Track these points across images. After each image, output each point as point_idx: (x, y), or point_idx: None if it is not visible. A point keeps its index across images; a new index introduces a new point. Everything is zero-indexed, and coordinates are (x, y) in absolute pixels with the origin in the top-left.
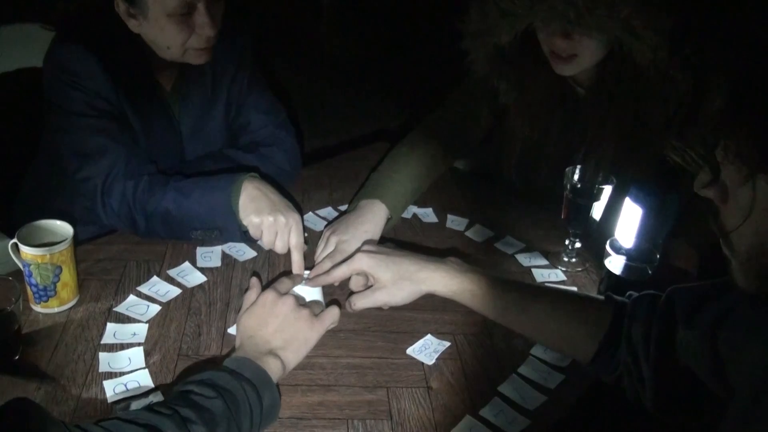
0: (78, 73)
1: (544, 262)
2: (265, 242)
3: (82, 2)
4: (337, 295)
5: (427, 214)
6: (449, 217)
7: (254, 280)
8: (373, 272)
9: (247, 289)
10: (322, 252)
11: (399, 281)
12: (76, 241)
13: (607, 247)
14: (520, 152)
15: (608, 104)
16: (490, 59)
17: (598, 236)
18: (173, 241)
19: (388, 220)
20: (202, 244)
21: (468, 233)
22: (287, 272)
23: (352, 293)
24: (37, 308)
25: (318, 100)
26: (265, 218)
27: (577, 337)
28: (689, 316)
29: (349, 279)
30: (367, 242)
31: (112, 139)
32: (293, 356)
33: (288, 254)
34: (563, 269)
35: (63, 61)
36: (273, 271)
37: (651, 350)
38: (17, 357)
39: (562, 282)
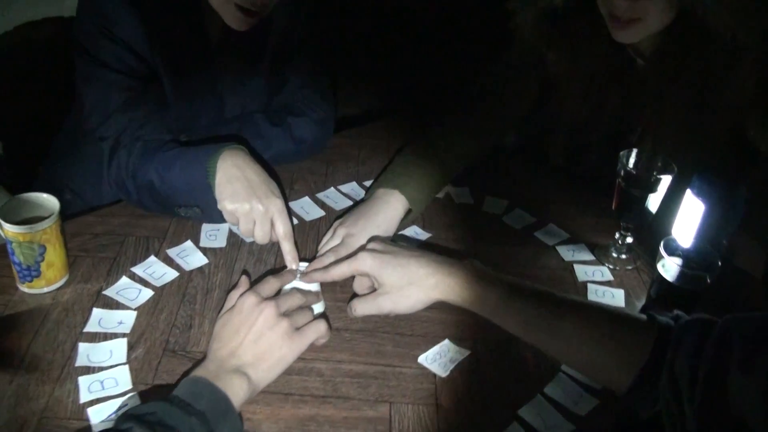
0: (112, 20)
1: (590, 257)
2: (243, 231)
3: None
4: (338, 295)
5: (463, 194)
6: (487, 198)
7: (243, 279)
8: (376, 275)
9: (232, 288)
10: (326, 244)
11: (405, 287)
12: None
13: (661, 248)
14: (569, 131)
15: (672, 78)
16: (540, 23)
17: (653, 232)
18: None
19: (408, 212)
20: (200, 222)
21: (506, 218)
22: (279, 269)
23: (355, 295)
24: (23, 288)
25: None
26: (241, 205)
27: (611, 364)
28: (748, 356)
29: (352, 279)
30: (373, 239)
31: (134, 99)
32: (264, 375)
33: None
34: (610, 267)
35: (99, 4)
36: (278, 260)
37: (697, 392)
38: None
39: (608, 282)
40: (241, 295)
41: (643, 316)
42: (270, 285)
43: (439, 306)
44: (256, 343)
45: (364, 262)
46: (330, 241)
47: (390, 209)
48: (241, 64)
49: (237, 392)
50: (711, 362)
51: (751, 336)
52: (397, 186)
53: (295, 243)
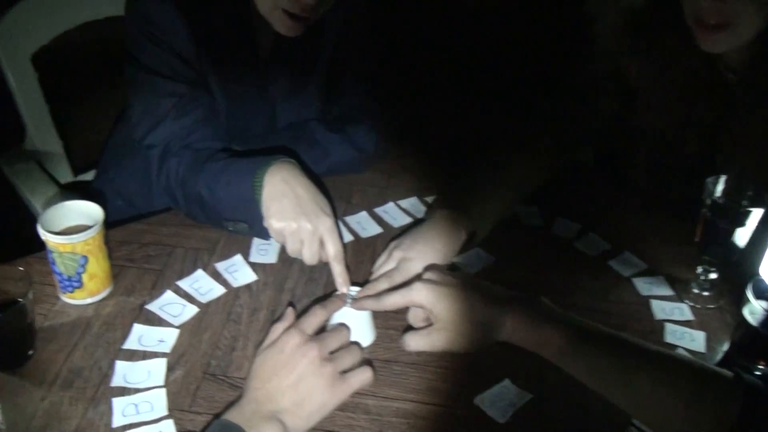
0: (159, 26)
1: (669, 292)
2: (289, 251)
3: None
4: (391, 322)
5: (532, 215)
6: (557, 220)
7: (289, 311)
8: (431, 308)
9: (277, 320)
10: (380, 267)
11: (463, 324)
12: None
13: (748, 291)
14: (650, 150)
15: (765, 94)
16: (621, 30)
17: (740, 269)
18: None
19: (471, 236)
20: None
21: (578, 243)
22: (330, 292)
23: (410, 327)
24: (64, 298)
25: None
26: (288, 224)
27: (690, 427)
28: None
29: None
30: (430, 268)
31: (183, 105)
32: (301, 423)
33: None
34: (691, 304)
35: (145, 10)
36: (330, 280)
37: None
38: (31, 353)
39: (687, 322)
40: (286, 331)
41: (729, 374)
42: (316, 318)
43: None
44: (296, 388)
45: (419, 294)
46: (384, 265)
47: (452, 233)
48: (294, 72)
49: None
50: None
51: None
52: (462, 206)
53: (346, 265)
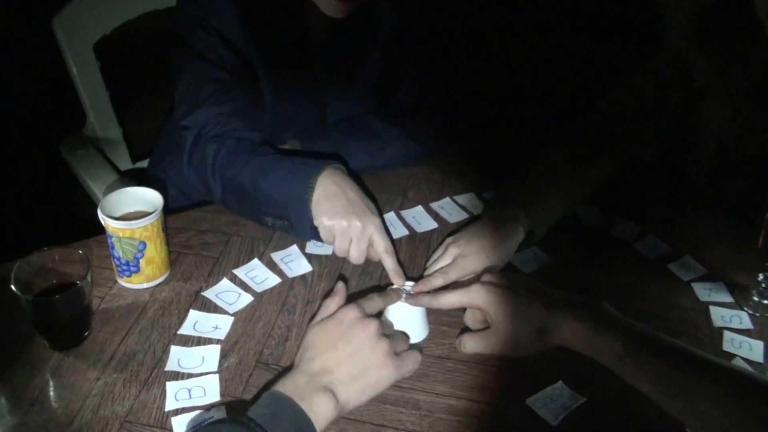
0: (209, 11)
1: (728, 298)
2: (338, 250)
3: None
4: (444, 318)
5: (591, 214)
6: (618, 221)
7: (340, 285)
8: (490, 311)
9: (328, 294)
10: (435, 263)
11: (521, 327)
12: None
13: None
14: (715, 150)
15: None
16: (690, 24)
17: None
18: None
19: (529, 235)
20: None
21: (638, 245)
22: (384, 285)
23: (466, 328)
24: (122, 282)
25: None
26: (338, 222)
27: None
28: None
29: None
30: (488, 270)
31: (224, 91)
32: (355, 397)
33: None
34: (751, 312)
35: None
36: (383, 275)
37: None
38: (87, 334)
39: (746, 330)
40: (345, 305)
41: None
42: (374, 303)
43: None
44: (353, 360)
45: (478, 296)
46: (440, 260)
47: (511, 231)
48: (348, 64)
49: (322, 414)
50: None
51: None
52: (522, 205)
53: (399, 260)
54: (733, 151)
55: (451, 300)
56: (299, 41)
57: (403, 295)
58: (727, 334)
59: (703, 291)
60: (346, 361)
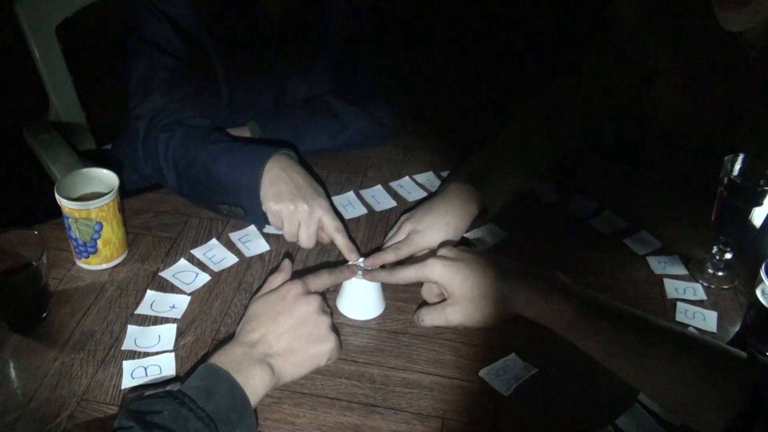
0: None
1: (682, 271)
2: (287, 234)
3: None
4: (400, 294)
5: (547, 192)
6: (574, 198)
7: (286, 262)
8: (446, 285)
9: (274, 270)
10: (390, 239)
11: (478, 299)
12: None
13: (762, 271)
14: (668, 129)
15: None
16: (640, 8)
17: (755, 249)
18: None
19: (483, 212)
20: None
21: (594, 221)
22: (340, 262)
23: (423, 303)
24: (80, 263)
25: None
26: (285, 206)
27: (702, 405)
28: None
29: (417, 282)
30: (445, 244)
31: (175, 79)
32: (291, 370)
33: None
34: (704, 284)
35: None
36: (341, 254)
37: None
38: (45, 315)
39: (700, 302)
40: (289, 281)
41: (743, 354)
42: (321, 280)
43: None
44: (294, 334)
45: (434, 270)
46: (394, 236)
47: (463, 206)
48: (305, 45)
49: (258, 386)
50: None
51: None
52: (474, 181)
53: (350, 237)
54: (686, 129)
55: (407, 275)
56: (254, 24)
57: (359, 272)
58: (680, 305)
59: (657, 264)
60: (285, 335)
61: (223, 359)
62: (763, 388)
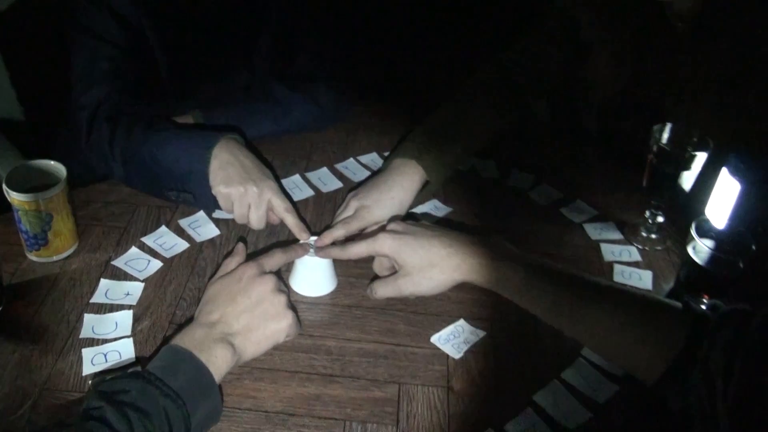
0: None
1: (618, 236)
2: (237, 216)
3: None
4: (352, 270)
5: (488, 167)
6: (513, 172)
7: (240, 246)
8: (396, 257)
9: (228, 254)
10: (338, 216)
11: (427, 268)
12: (84, 181)
13: (692, 230)
14: (602, 100)
15: (713, 42)
16: None
17: (685, 211)
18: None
19: (426, 185)
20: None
21: (532, 193)
22: (291, 241)
23: (375, 277)
24: (31, 256)
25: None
26: (235, 189)
27: (641, 353)
28: None
29: (368, 258)
30: (393, 220)
31: (117, 69)
32: (251, 348)
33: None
34: (639, 247)
35: None
36: (290, 234)
37: (731, 388)
38: (0, 308)
39: (635, 263)
40: (243, 263)
41: (678, 304)
42: (275, 259)
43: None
44: (252, 313)
45: (384, 244)
46: (342, 213)
47: (406, 180)
48: (245, 31)
49: (220, 364)
50: (749, 356)
51: None
52: (415, 156)
53: (300, 217)
54: (619, 101)
55: (358, 249)
56: (193, 11)
57: (310, 249)
58: (617, 267)
59: (594, 230)
60: (244, 314)
61: (185, 340)
62: (697, 334)
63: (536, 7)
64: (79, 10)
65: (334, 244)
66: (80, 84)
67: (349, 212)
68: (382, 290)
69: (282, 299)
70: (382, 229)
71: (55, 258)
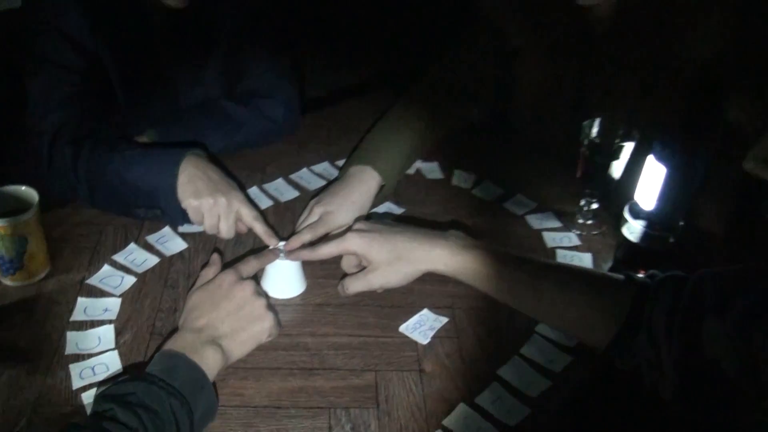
0: (54, 13)
1: (557, 224)
2: (207, 227)
3: None
4: (319, 272)
5: (432, 170)
6: (456, 172)
7: (215, 256)
8: (365, 253)
9: (204, 265)
10: (303, 222)
11: (394, 262)
12: (48, 205)
13: (625, 212)
14: (531, 102)
15: (630, 43)
16: None
17: (617, 197)
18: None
19: (381, 188)
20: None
21: (475, 191)
22: (261, 248)
23: (344, 275)
24: (6, 281)
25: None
26: (205, 200)
27: (592, 322)
28: (720, 305)
29: (335, 258)
30: (358, 220)
31: (75, 93)
32: (238, 348)
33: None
34: (578, 233)
35: (39, 2)
36: (259, 241)
37: (674, 341)
38: None
39: (575, 247)
40: (222, 271)
41: (621, 276)
42: (250, 265)
43: (418, 277)
44: (236, 316)
45: (353, 242)
46: (308, 219)
47: (364, 185)
48: (194, 54)
49: (211, 365)
50: (686, 312)
51: (723, 286)
52: (370, 162)
53: (268, 224)
54: (548, 102)
55: (328, 250)
56: (144, 36)
57: (281, 254)
58: (559, 252)
59: (535, 221)
60: (228, 318)
61: (176, 345)
62: (640, 300)
63: (463, 17)
64: (34, 39)
65: (303, 247)
66: (38, 110)
67: (314, 218)
68: (354, 285)
69: (262, 302)
70: (349, 229)
71: (30, 281)
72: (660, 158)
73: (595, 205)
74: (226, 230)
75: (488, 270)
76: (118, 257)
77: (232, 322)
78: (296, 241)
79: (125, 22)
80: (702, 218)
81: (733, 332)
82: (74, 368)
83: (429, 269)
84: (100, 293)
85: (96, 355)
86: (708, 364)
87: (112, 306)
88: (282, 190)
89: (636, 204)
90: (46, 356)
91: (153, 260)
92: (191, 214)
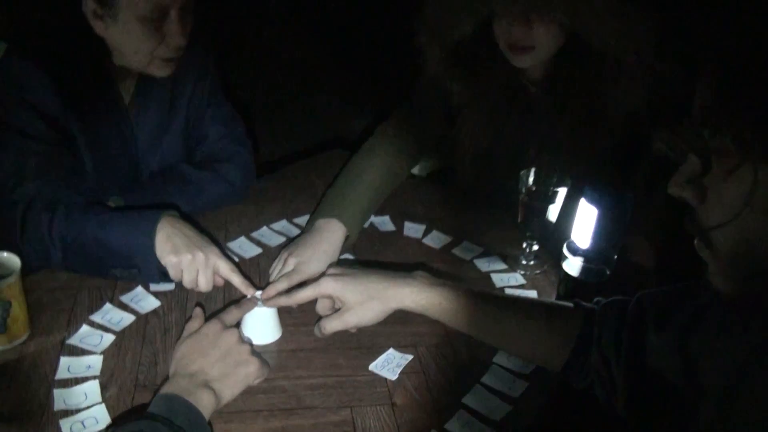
0: (24, 87)
1: (503, 266)
2: (186, 281)
3: (43, 9)
4: (290, 320)
5: (384, 223)
6: (406, 224)
7: (198, 310)
8: (339, 295)
9: (189, 319)
10: (278, 271)
11: (367, 301)
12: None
13: (564, 250)
14: (473, 155)
15: (561, 101)
16: (444, 58)
17: (555, 238)
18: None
19: (347, 238)
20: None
21: (425, 240)
22: (236, 300)
23: (319, 318)
24: None
25: (272, 105)
26: (184, 256)
27: (549, 347)
28: (659, 319)
29: (308, 302)
30: (331, 266)
31: (47, 163)
32: (229, 391)
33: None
34: (522, 272)
35: (9, 71)
36: (230, 294)
37: (622, 356)
38: None
39: (521, 286)
40: (208, 322)
41: (571, 304)
42: (232, 315)
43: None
44: (224, 362)
45: (328, 285)
46: (283, 269)
47: (332, 236)
48: (155, 122)
49: (206, 406)
50: (630, 330)
51: (661, 303)
52: (335, 215)
53: (244, 275)
54: (488, 155)
55: (305, 294)
56: (110, 107)
57: (258, 303)
58: (507, 290)
59: (483, 264)
60: (218, 363)
61: (172, 389)
62: (589, 323)
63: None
64: (6, 111)
65: (279, 294)
66: (11, 181)
67: (288, 268)
68: (330, 325)
69: (246, 347)
70: (323, 274)
71: (12, 344)
72: (591, 201)
73: (536, 247)
74: (204, 283)
75: (453, 305)
76: (95, 317)
77: (222, 367)
78: (272, 290)
79: (93, 96)
80: (634, 254)
81: (672, 343)
82: (64, 423)
83: (399, 306)
84: (82, 352)
85: (84, 410)
86: (653, 374)
87: (94, 363)
88: (245, 247)
89: (573, 243)
90: (36, 414)
91: (129, 318)
92: (170, 270)
